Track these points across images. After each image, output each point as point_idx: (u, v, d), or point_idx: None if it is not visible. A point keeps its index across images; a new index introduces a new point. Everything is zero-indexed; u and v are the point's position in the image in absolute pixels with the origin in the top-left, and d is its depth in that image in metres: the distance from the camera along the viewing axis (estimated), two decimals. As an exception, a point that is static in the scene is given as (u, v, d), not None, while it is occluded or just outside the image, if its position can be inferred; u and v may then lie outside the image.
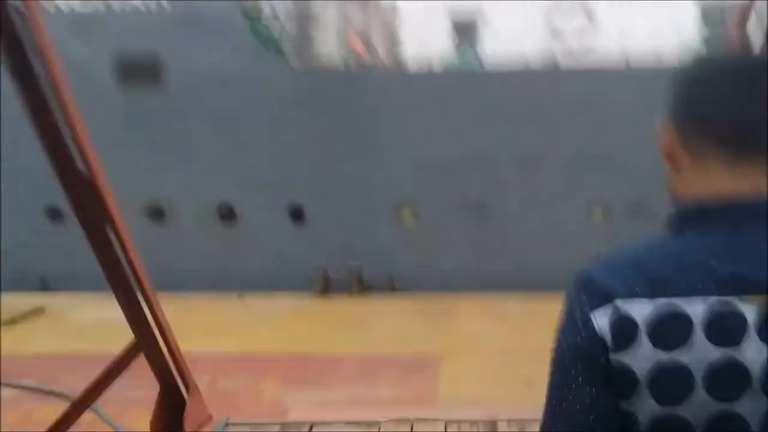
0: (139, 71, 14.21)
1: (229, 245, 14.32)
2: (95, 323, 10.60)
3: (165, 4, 14.15)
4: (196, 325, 10.99)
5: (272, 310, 12.28)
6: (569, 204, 13.27)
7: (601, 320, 1.21)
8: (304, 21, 14.78)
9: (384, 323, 11.60)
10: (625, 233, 11.99)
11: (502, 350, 9.06)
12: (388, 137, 13.71)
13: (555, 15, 14.35)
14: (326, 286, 13.27)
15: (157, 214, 14.71)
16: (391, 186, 13.89)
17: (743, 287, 1.20)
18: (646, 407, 1.19)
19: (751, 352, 1.17)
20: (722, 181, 1.29)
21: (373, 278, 13.50)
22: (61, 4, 14.39)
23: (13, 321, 11.10)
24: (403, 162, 13.75)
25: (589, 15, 14.50)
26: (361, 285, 13.26)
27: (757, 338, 1.18)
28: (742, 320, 1.18)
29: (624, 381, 1.20)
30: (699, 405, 1.18)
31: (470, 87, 13.70)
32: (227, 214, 14.58)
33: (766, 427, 1.18)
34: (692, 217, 1.29)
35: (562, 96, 13.15)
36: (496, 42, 15.48)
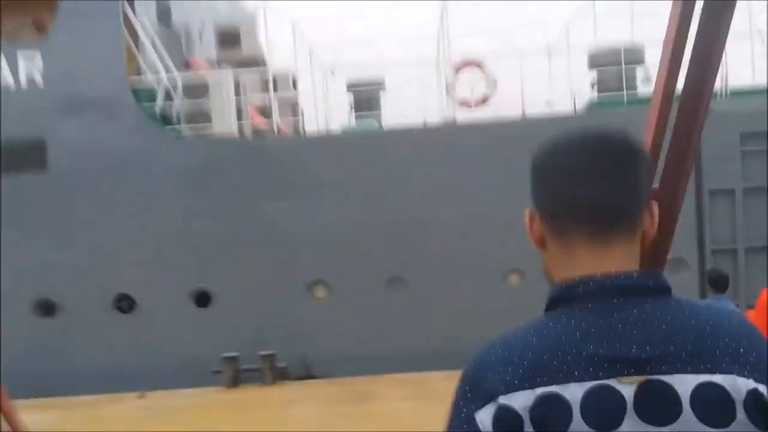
0: (21, 156, 13.22)
1: (128, 339, 13.23)
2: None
3: (44, 85, 13.28)
4: (91, 425, 10.17)
5: (177, 408, 11.33)
6: (485, 271, 12.87)
7: (485, 419, 1.22)
8: (199, 95, 14.14)
9: (300, 411, 10.84)
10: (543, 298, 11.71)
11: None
12: (294, 208, 13.07)
13: (457, 85, 14.24)
14: (237, 378, 12.33)
15: (47, 308, 13.50)
16: (300, 262, 13.18)
17: (620, 368, 1.21)
18: None
19: None
20: (588, 262, 1.31)
21: (289, 365, 12.65)
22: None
23: None
24: (312, 235, 13.09)
25: (492, 84, 14.46)
26: (276, 373, 12.37)
27: (637, 418, 1.19)
28: (621, 401, 1.20)
29: None
30: None
31: (370, 147, 13.29)
32: (125, 305, 13.51)
33: None
34: (564, 301, 1.30)
35: (460, 150, 12.86)
36: (396, 109, 15.31)
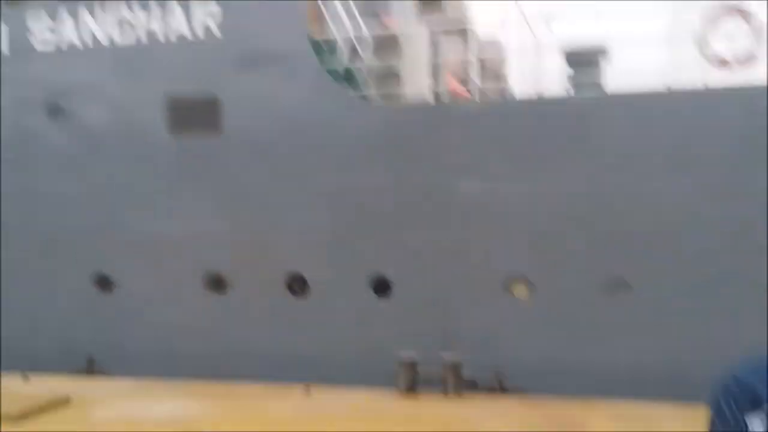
0: (193, 114, 12.09)
1: (297, 324, 11.73)
2: (115, 423, 9.12)
3: (220, 37, 11.96)
4: (252, 422, 8.96)
5: (345, 410, 9.61)
6: (733, 273, 9.93)
7: (756, 424, 1.26)
8: (389, 55, 12.27)
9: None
10: None
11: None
12: (493, 187, 10.85)
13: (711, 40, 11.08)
14: (414, 383, 10.35)
15: (217, 283, 12.32)
16: (497, 252, 10.93)
17: None
18: None
19: None
20: None
21: (476, 374, 10.46)
22: (102, 37, 12.46)
23: (33, 412, 9.36)
24: (514, 218, 10.82)
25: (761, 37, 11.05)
26: (460, 382, 10.23)
27: None
28: None
29: None
30: None
31: (591, 114, 10.71)
32: (297, 286, 12.00)
33: None
34: None
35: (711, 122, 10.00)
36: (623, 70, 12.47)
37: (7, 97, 12.92)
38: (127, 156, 12.44)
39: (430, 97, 12.34)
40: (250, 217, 12.00)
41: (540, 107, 11.03)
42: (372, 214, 11.44)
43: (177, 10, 12.10)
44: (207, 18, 11.98)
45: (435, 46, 12.95)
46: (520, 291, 10.85)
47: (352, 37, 12.40)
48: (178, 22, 12.09)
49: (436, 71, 12.76)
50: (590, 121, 10.63)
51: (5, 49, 12.89)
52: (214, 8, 11.96)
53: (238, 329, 12.04)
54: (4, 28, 12.83)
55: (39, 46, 12.78)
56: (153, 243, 12.35)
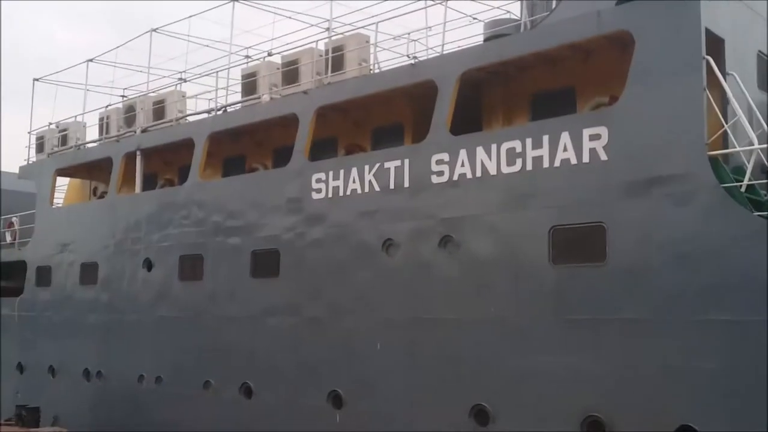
0: (577, 243, 11.52)
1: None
2: None
3: (610, 162, 11.34)
4: None
5: None
6: None
7: None
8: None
9: None
10: None
11: None
12: None
13: None
14: None
15: (595, 426, 11.13)
16: None
17: None
18: None
19: None
20: None
21: None
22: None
23: None
24: None
25: None
26: None
27: None
28: None
29: None
30: None
31: None
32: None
33: None
34: None
35: None
36: None
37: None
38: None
39: None
40: (631, 356, 10.76)
41: None
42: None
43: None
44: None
45: None
46: None
47: (763, 157, 10.81)
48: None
49: None
50: None
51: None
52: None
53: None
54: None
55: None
56: (532, 378, 11.74)
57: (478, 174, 12.80)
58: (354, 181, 14.61)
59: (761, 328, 9.67)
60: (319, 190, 15.23)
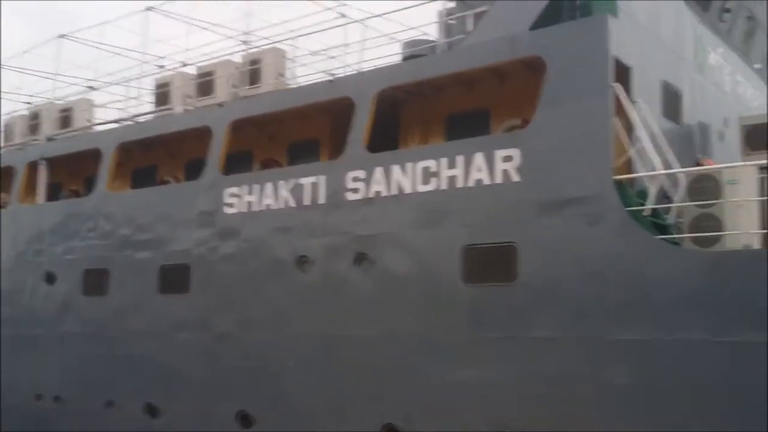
0: (489, 263, 11.72)
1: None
2: None
3: (518, 181, 11.62)
4: None
5: None
6: None
7: None
8: (707, 196, 10.86)
9: None
10: None
11: None
12: None
13: None
14: None
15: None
16: None
17: None
18: None
19: None
20: None
21: None
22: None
23: None
24: None
25: None
26: None
27: None
28: None
29: None
30: None
31: None
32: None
33: None
34: None
35: None
36: None
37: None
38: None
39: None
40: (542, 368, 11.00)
41: None
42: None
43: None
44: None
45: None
46: None
47: (663, 182, 11.29)
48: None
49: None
50: None
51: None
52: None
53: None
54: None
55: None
56: (446, 393, 11.84)
57: (394, 192, 12.88)
58: (268, 196, 14.47)
59: (665, 346, 10.09)
60: (232, 205, 14.99)
